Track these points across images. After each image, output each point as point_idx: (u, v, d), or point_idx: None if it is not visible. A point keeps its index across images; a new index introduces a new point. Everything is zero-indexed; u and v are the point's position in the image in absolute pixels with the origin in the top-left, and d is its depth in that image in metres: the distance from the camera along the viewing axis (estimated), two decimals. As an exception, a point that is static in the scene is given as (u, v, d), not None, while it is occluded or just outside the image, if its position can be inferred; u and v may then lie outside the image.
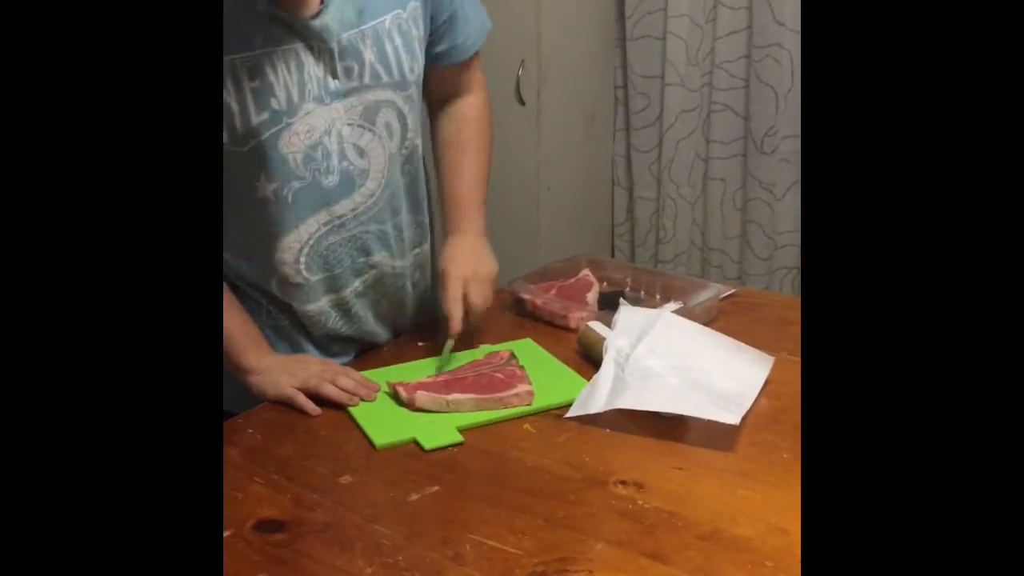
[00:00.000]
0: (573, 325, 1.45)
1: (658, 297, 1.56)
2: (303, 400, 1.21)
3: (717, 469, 1.07)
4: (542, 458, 1.10)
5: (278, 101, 1.17)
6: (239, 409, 1.24)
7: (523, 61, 2.58)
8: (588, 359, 1.32)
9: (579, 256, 1.68)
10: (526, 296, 1.51)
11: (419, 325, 1.46)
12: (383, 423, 1.18)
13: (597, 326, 1.32)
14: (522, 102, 2.61)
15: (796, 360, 1.29)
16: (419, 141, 1.35)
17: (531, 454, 1.11)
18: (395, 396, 1.22)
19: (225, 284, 1.27)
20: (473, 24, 1.37)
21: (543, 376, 1.27)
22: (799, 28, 2.50)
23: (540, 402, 1.21)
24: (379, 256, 1.33)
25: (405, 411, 1.20)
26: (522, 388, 1.21)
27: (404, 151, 1.31)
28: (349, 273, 1.32)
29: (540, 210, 2.68)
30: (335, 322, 1.35)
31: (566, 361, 1.33)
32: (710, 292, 1.50)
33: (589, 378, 1.23)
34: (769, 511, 0.98)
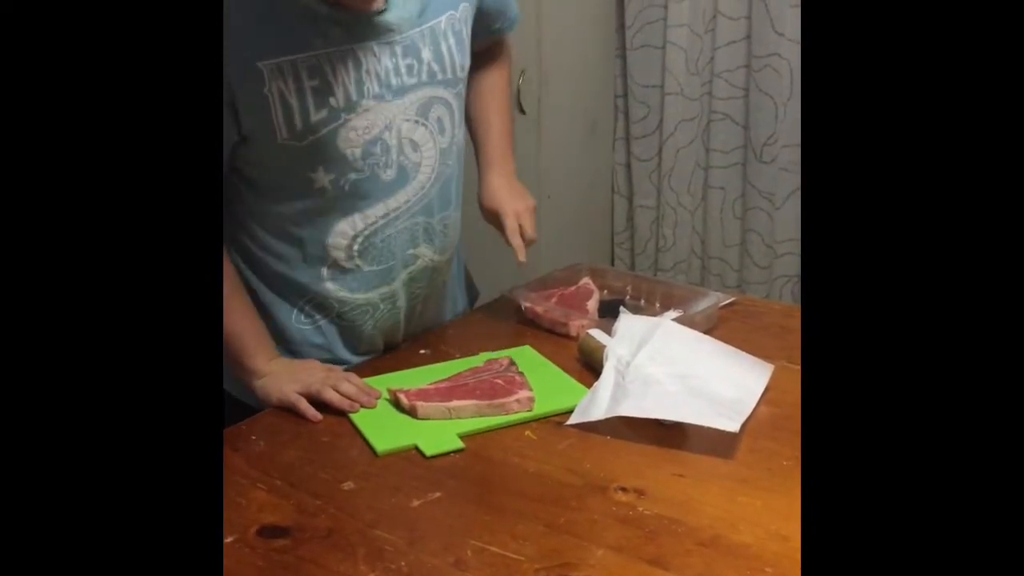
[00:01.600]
0: (574, 333, 1.46)
1: (658, 305, 1.56)
2: (305, 406, 1.22)
3: (717, 476, 1.08)
4: (543, 464, 1.10)
5: (336, 99, 1.21)
6: (252, 401, 1.27)
7: (524, 70, 2.59)
8: (588, 367, 1.33)
9: (580, 264, 1.69)
10: (527, 304, 1.52)
11: (418, 336, 1.48)
12: (384, 429, 1.18)
13: (597, 334, 1.33)
14: (523, 111, 2.62)
15: (796, 368, 1.30)
16: (463, 136, 1.41)
17: (532, 460, 1.11)
18: (396, 403, 1.23)
19: (240, 287, 1.28)
20: (512, 5, 1.50)
21: (543, 383, 1.28)
22: (798, 38, 2.52)
23: (540, 408, 1.22)
24: (424, 248, 1.37)
25: (406, 417, 1.21)
26: (523, 394, 1.22)
27: (454, 146, 1.37)
28: (400, 265, 1.36)
29: (541, 218, 2.66)
30: (380, 315, 1.38)
31: (566, 369, 1.34)
32: (710, 300, 1.50)
33: (590, 386, 1.24)
34: (769, 518, 0.99)
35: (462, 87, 1.36)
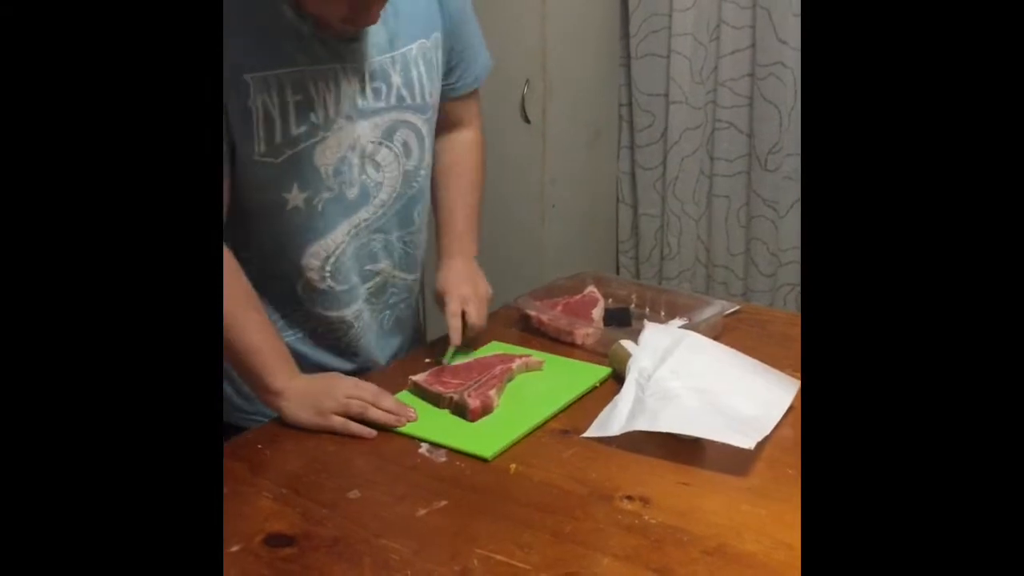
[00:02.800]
0: (579, 341, 1.46)
1: (663, 314, 1.57)
2: (357, 428, 1.20)
3: (723, 485, 1.08)
4: (548, 473, 1.11)
5: (316, 115, 1.23)
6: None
7: (528, 80, 2.60)
8: (618, 377, 1.32)
9: (584, 273, 1.69)
10: (532, 312, 1.52)
11: (419, 348, 1.49)
12: (463, 434, 1.19)
13: (629, 344, 1.32)
14: (527, 120, 2.63)
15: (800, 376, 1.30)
16: (431, 161, 1.41)
17: (538, 469, 1.11)
18: (457, 406, 1.24)
19: (255, 301, 1.26)
20: (480, 60, 1.47)
21: (558, 372, 1.35)
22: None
23: (570, 394, 1.28)
24: (384, 263, 1.38)
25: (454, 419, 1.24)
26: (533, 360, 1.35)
27: (421, 169, 1.38)
28: (360, 281, 1.37)
29: (545, 227, 2.69)
30: (353, 335, 1.39)
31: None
32: (715, 309, 1.50)
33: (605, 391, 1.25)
34: (775, 527, 0.99)
35: (432, 113, 1.37)
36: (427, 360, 1.42)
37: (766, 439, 1.13)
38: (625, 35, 2.84)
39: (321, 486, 1.09)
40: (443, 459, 1.15)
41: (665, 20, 2.73)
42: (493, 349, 1.43)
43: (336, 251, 1.31)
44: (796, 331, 1.50)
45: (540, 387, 1.32)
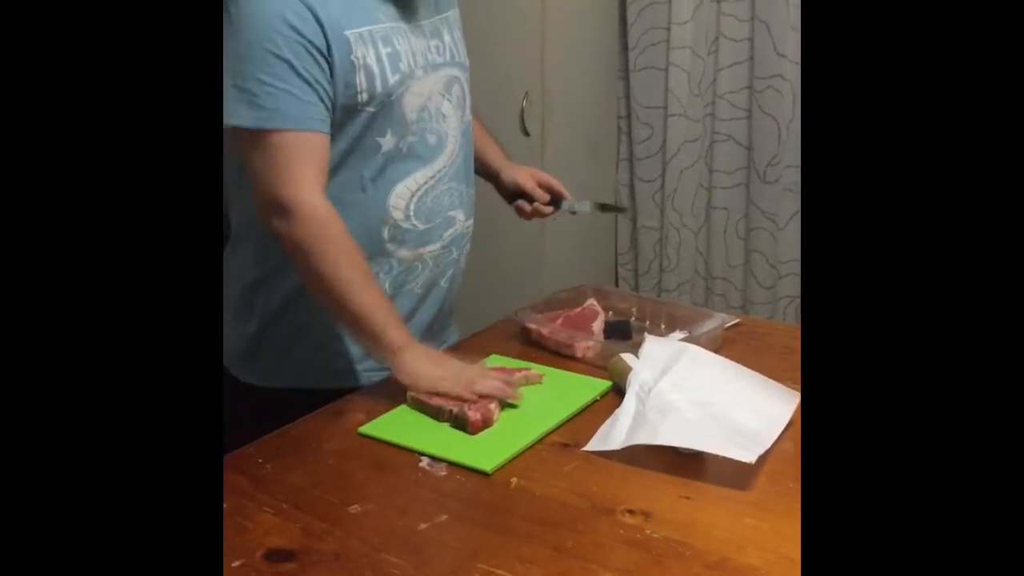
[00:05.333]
0: (579, 354, 1.46)
1: (663, 327, 1.57)
2: (459, 392, 1.26)
3: (725, 498, 1.07)
4: (550, 487, 1.10)
5: (404, 64, 1.34)
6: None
7: (527, 93, 2.61)
8: (619, 390, 1.32)
9: (584, 285, 1.69)
10: (532, 326, 1.52)
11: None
12: (463, 448, 1.19)
13: (628, 358, 1.32)
14: (526, 133, 2.63)
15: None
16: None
17: (539, 483, 1.11)
18: (457, 419, 1.24)
19: (365, 263, 1.32)
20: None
21: (558, 385, 1.35)
22: (800, 59, 2.53)
23: (569, 408, 1.28)
24: (459, 212, 1.48)
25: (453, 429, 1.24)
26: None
27: (466, 124, 1.49)
28: (443, 224, 1.45)
29: (544, 239, 2.69)
30: (424, 275, 1.46)
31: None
32: (715, 322, 1.50)
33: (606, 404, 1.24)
34: (777, 540, 0.99)
35: (468, 74, 1.49)
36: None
37: (767, 452, 1.13)
38: (624, 48, 2.85)
39: (322, 500, 1.09)
40: (443, 473, 1.14)
41: (663, 33, 2.74)
42: (493, 362, 1.43)
43: (418, 192, 1.40)
44: (796, 343, 1.50)
45: (540, 400, 1.31)
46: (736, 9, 2.65)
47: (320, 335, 1.43)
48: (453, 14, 1.49)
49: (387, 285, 1.42)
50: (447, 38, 1.44)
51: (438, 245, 1.46)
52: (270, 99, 1.24)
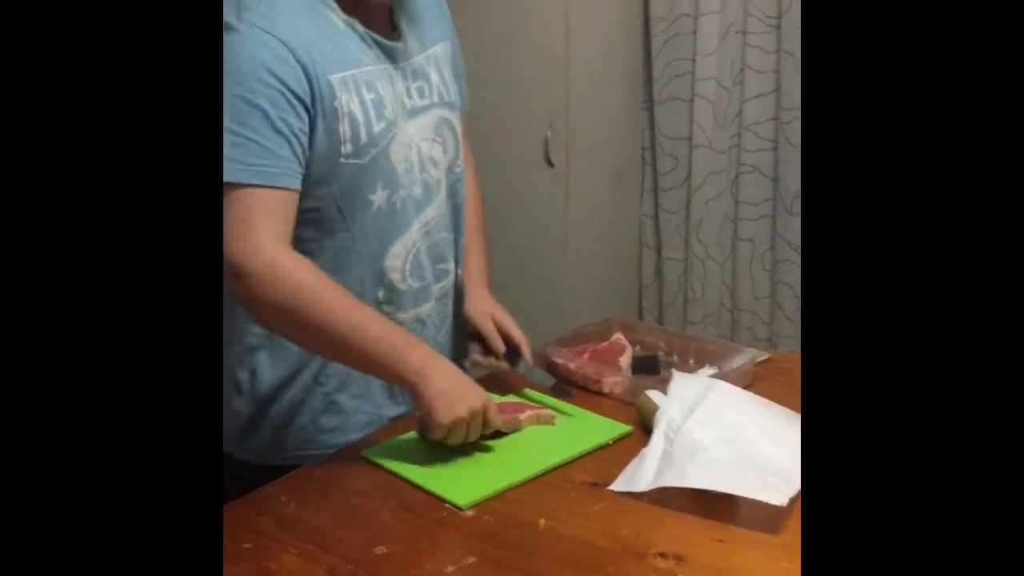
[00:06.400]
0: (607, 390, 1.44)
1: (692, 362, 1.54)
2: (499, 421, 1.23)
3: (759, 541, 1.05)
4: (579, 528, 1.08)
5: (389, 111, 1.27)
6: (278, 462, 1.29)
7: (551, 123, 2.60)
8: (646, 428, 1.29)
9: (611, 319, 1.67)
10: (559, 360, 1.50)
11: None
12: (447, 479, 1.17)
13: (656, 395, 1.30)
14: (551, 164, 2.62)
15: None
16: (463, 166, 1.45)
17: (568, 524, 1.09)
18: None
19: (355, 299, 1.23)
20: (466, 90, 1.49)
21: (573, 424, 1.31)
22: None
23: (574, 450, 1.24)
24: (450, 264, 1.42)
25: (452, 462, 1.21)
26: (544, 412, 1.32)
27: (457, 167, 1.42)
28: (433, 280, 1.39)
29: (568, 270, 2.68)
30: (423, 334, 1.37)
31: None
32: (745, 357, 1.48)
33: (617, 445, 1.22)
34: (814, 586, 0.96)
35: (460, 114, 1.43)
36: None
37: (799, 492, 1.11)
38: (648, 79, 2.84)
39: (347, 541, 1.07)
40: (471, 513, 1.12)
41: (688, 65, 2.73)
42: (525, 397, 1.41)
43: (413, 248, 1.34)
44: (828, 380, 1.47)
45: (546, 438, 1.29)
46: (762, 41, 2.64)
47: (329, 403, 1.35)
48: (442, 48, 1.40)
49: None
50: (434, 77, 1.36)
51: (433, 302, 1.40)
52: (236, 149, 1.14)
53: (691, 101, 2.74)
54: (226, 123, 1.14)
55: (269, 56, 1.16)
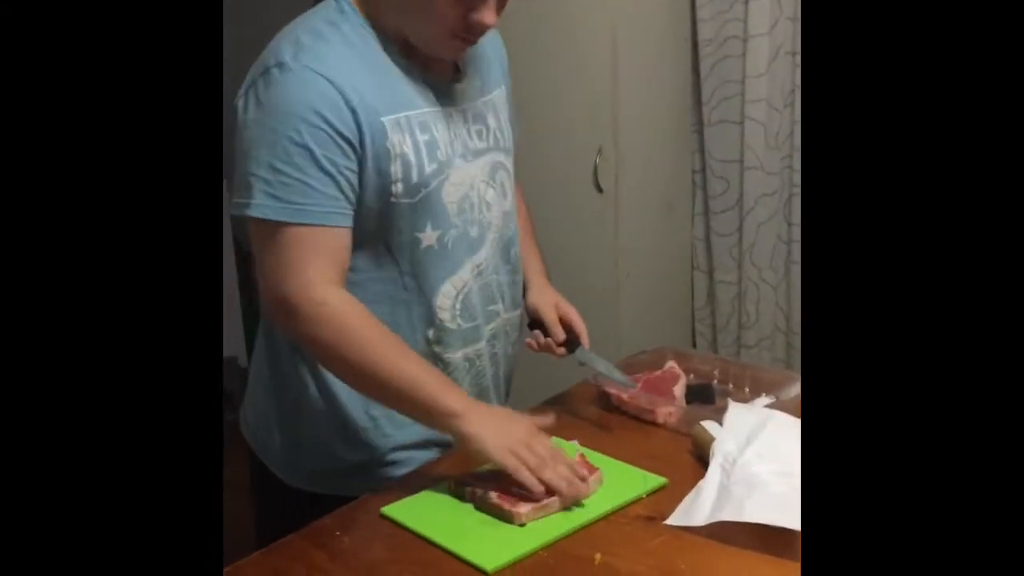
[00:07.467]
0: (660, 420, 1.42)
1: (747, 390, 1.52)
2: (532, 482, 1.15)
3: (821, 578, 1.02)
4: (636, 564, 1.06)
5: (442, 152, 1.28)
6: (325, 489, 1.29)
7: (600, 148, 2.60)
8: (702, 460, 1.26)
9: (664, 347, 1.65)
10: (612, 390, 1.48)
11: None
12: (476, 540, 1.12)
13: (711, 426, 1.28)
14: (600, 190, 2.61)
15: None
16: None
17: (624, 560, 1.07)
18: (496, 509, 1.16)
19: (397, 339, 1.25)
20: (517, 125, 1.50)
21: (606, 474, 1.24)
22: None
23: (614, 502, 1.19)
24: (500, 305, 1.41)
25: (476, 520, 1.16)
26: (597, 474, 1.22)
27: (513, 210, 1.43)
28: (484, 321, 1.38)
29: (620, 297, 2.66)
30: (472, 376, 1.38)
31: (655, 455, 1.30)
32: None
33: (673, 476, 1.20)
34: (880, 626, 0.93)
35: (513, 158, 1.44)
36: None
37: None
38: (697, 102, 2.82)
39: (401, 576, 1.07)
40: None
41: (738, 87, 2.71)
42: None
43: (464, 289, 1.34)
44: (889, 408, 1.43)
45: None
46: (812, 61, 2.61)
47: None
48: (499, 94, 1.42)
49: None
50: (491, 122, 1.37)
51: (483, 343, 1.39)
52: (283, 189, 1.16)
53: (741, 123, 2.71)
54: (274, 163, 1.16)
55: (317, 97, 1.17)
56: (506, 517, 1.15)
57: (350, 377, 1.25)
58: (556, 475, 1.16)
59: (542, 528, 1.14)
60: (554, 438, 1.29)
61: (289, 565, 1.10)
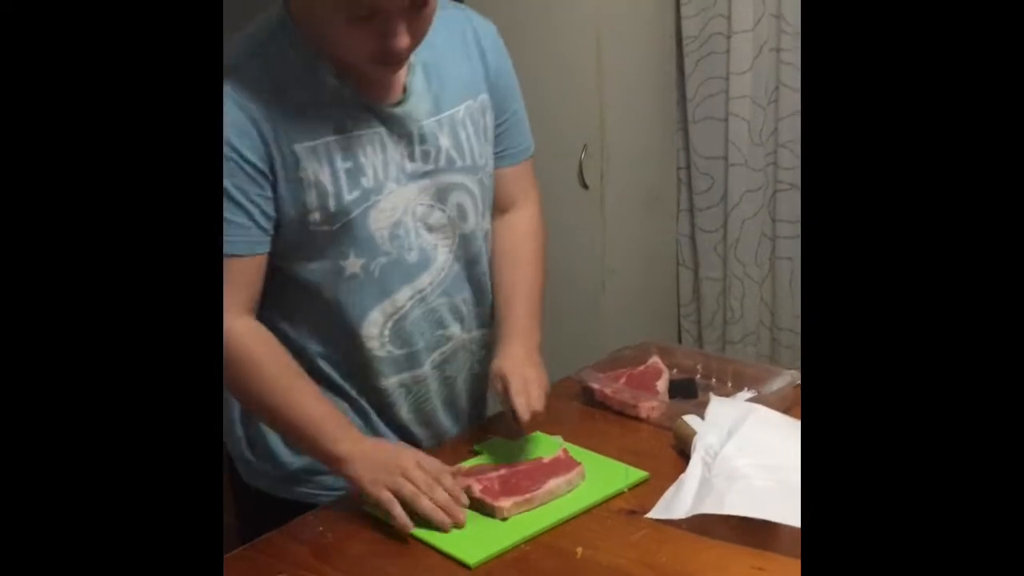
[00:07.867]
0: (643, 415, 1.42)
1: (730, 384, 1.52)
2: (398, 512, 1.14)
3: (799, 569, 1.03)
4: (617, 557, 1.07)
5: (367, 179, 1.23)
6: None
7: (586, 145, 2.60)
8: (683, 454, 1.27)
9: (648, 342, 1.66)
10: (595, 385, 1.49)
11: (474, 426, 1.45)
12: (453, 535, 1.13)
13: (692, 420, 1.28)
14: (585, 186, 2.62)
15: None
16: (488, 226, 1.40)
17: (606, 553, 1.08)
18: (478, 503, 1.17)
19: (302, 372, 1.25)
20: (526, 131, 1.45)
21: (588, 469, 1.25)
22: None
23: (596, 496, 1.19)
24: (453, 328, 1.36)
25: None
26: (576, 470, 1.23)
27: (479, 231, 1.36)
28: (427, 348, 1.34)
29: (606, 293, 2.67)
30: (412, 401, 1.36)
31: (635, 451, 1.31)
32: (784, 380, 1.46)
33: (655, 471, 1.20)
34: (857, 616, 0.94)
35: (483, 175, 1.36)
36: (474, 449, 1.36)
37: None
38: (682, 99, 2.83)
39: (384, 572, 1.07)
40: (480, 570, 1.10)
41: (722, 84, 2.71)
42: (494, 448, 1.34)
43: (395, 316, 1.29)
44: (870, 402, 1.44)
45: None
46: (796, 58, 2.62)
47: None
48: (466, 109, 1.32)
49: (372, 417, 1.34)
50: (444, 141, 1.29)
51: (425, 368, 1.35)
52: None
53: (726, 120, 2.72)
54: None
55: (229, 127, 1.15)
56: (488, 511, 1.16)
57: (251, 407, 1.28)
58: (431, 505, 1.14)
59: (524, 522, 1.15)
60: (537, 433, 1.30)
61: (271, 562, 1.10)
